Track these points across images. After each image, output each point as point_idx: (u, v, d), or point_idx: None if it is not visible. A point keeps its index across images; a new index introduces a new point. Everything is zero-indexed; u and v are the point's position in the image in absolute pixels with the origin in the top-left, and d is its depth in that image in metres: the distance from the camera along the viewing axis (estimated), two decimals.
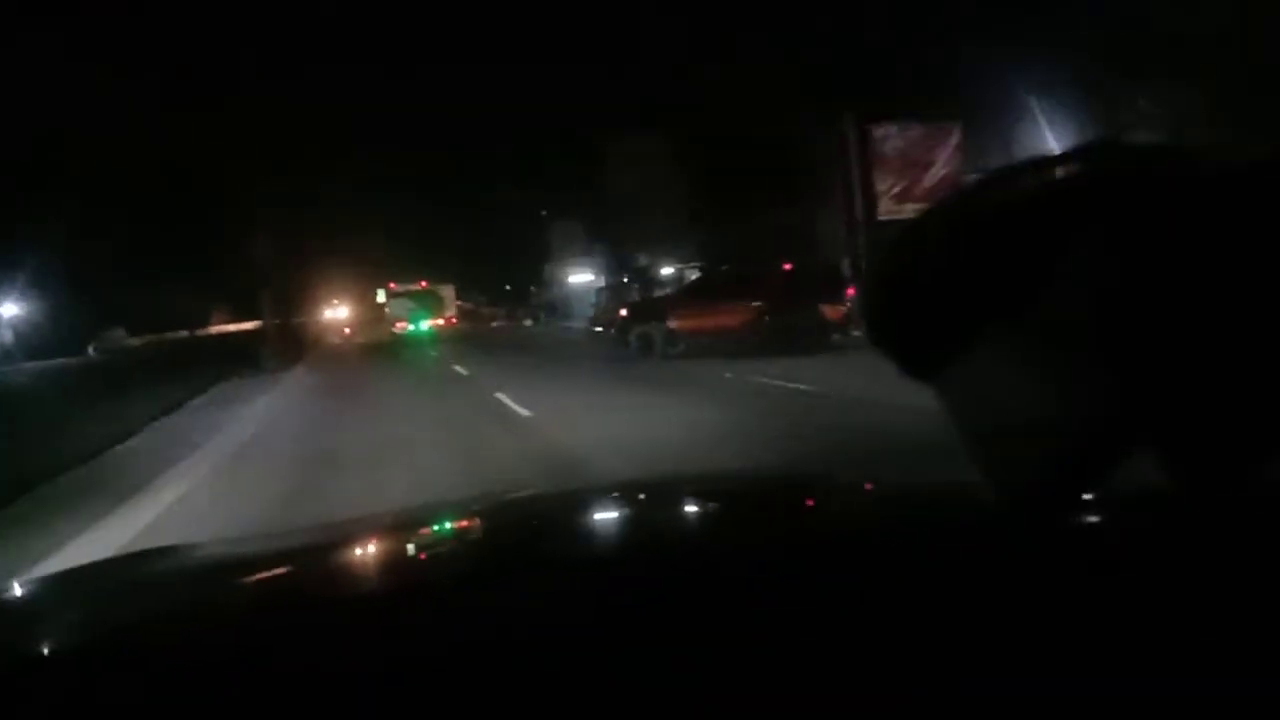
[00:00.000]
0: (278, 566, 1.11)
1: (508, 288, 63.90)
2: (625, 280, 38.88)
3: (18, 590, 1.13)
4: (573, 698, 0.60)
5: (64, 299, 35.72)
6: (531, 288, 58.71)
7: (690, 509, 1.39)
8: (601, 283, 43.51)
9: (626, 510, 1.40)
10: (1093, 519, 0.70)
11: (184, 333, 42.71)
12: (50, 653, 0.78)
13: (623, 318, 18.51)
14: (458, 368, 17.07)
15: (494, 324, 53.61)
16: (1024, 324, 0.56)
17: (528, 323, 50.09)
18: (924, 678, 0.59)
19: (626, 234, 38.87)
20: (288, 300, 48.12)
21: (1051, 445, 0.58)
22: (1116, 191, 0.51)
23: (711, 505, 1.39)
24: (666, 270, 35.14)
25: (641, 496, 1.54)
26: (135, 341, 39.42)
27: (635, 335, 16.85)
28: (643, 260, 38.31)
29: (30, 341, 32.57)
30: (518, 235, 53.01)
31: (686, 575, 0.81)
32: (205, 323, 45.39)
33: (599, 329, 25.92)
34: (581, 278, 46.66)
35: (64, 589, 1.10)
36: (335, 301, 52.94)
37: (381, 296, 46.09)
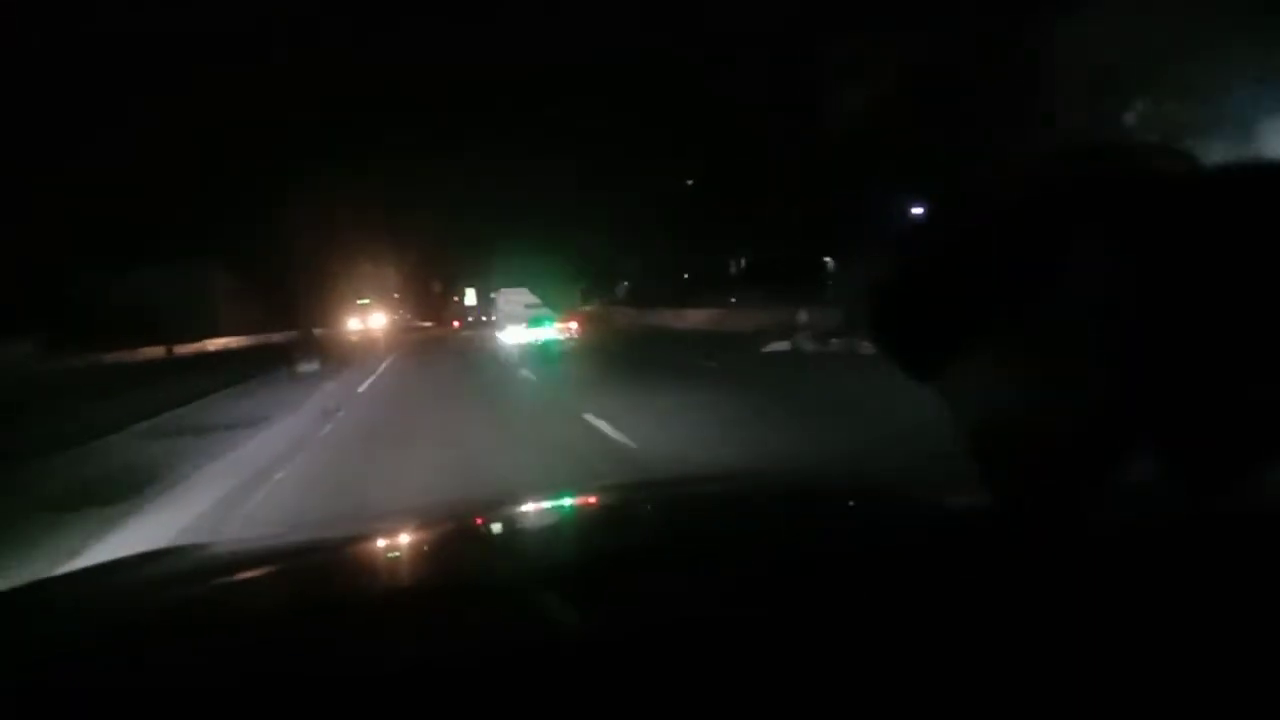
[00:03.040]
0: (281, 567, 1.11)
1: (686, 276, 39.89)
2: None
3: (27, 591, 1.12)
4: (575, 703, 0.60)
5: None
6: (827, 260, 28.23)
7: (684, 513, 1.40)
8: None
9: (620, 514, 1.41)
10: (1092, 520, 0.71)
11: (160, 349, 32.63)
12: (56, 654, 0.78)
13: None
14: None
15: (767, 349, 17.63)
16: (1023, 325, 0.57)
17: None
18: (924, 678, 0.59)
19: None
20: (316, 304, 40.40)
21: (1051, 445, 0.59)
22: (1116, 193, 0.52)
23: (706, 510, 1.40)
24: None
25: (649, 498, 1.55)
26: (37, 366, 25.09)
27: None
28: None
29: None
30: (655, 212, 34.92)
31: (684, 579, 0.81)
32: (210, 331, 30.46)
33: None
34: None
35: (72, 589, 1.09)
36: (366, 300, 43.30)
37: (470, 298, 36.73)
